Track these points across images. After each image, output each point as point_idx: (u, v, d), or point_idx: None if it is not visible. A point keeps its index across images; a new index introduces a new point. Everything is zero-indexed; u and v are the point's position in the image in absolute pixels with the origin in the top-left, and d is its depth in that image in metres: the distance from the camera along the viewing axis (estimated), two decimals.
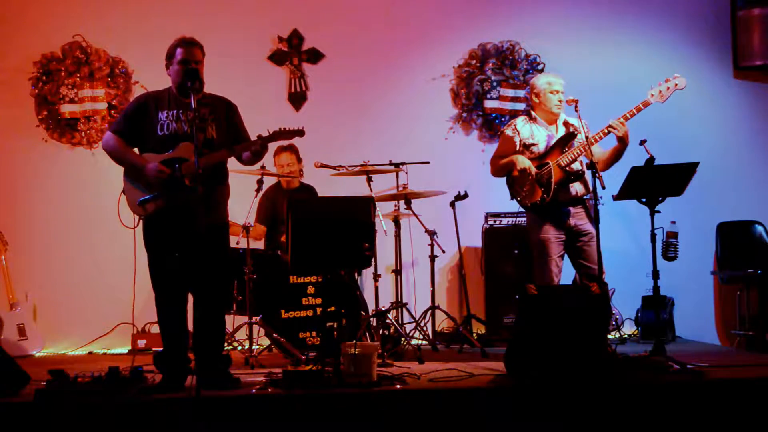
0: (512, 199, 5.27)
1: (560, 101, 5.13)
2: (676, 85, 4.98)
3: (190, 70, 4.22)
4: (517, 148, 5.20)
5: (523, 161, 5.12)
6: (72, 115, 6.60)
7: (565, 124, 5.19)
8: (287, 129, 4.40)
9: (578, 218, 5.15)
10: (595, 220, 4.89)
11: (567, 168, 5.06)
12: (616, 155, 5.07)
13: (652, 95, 5.00)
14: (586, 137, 4.95)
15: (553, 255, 5.11)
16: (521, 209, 5.39)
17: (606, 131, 4.98)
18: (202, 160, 4.08)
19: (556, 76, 5.23)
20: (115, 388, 4.04)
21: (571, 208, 5.14)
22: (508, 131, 5.27)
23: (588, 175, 5.06)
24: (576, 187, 5.13)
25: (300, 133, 4.46)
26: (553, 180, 5.06)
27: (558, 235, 5.12)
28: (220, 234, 4.43)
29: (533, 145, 5.18)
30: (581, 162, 5.13)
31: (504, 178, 5.29)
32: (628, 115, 4.96)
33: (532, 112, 5.28)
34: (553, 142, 5.15)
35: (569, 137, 5.08)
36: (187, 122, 4.25)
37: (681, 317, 6.58)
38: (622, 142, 4.99)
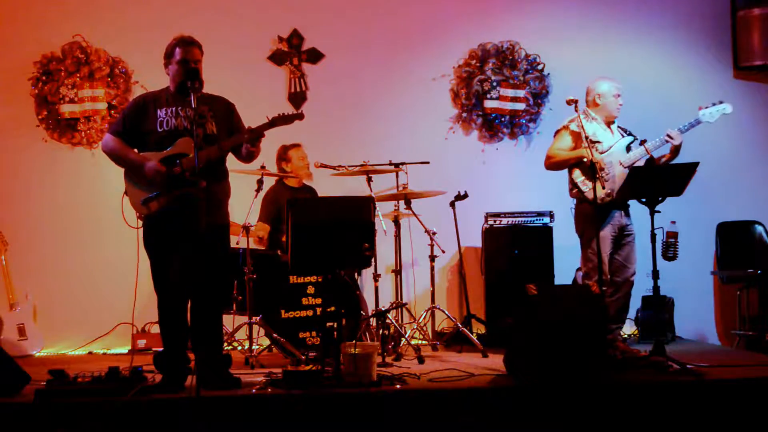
0: (573, 189, 5.29)
1: (620, 106, 5.31)
2: (724, 109, 5.24)
3: (191, 69, 4.22)
4: (584, 144, 5.19)
5: (596, 156, 5.18)
6: (72, 115, 6.60)
7: (620, 128, 5.33)
8: (286, 114, 4.36)
9: (626, 218, 5.31)
10: (595, 221, 4.95)
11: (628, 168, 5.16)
12: (671, 160, 5.23)
13: (703, 114, 5.23)
14: (586, 138, 5.03)
15: (607, 251, 5.22)
16: (521, 210, 5.47)
17: (665, 140, 5.17)
18: (202, 154, 4.09)
19: (616, 81, 5.36)
20: (115, 388, 4.04)
21: (622, 210, 5.27)
22: (573, 126, 5.29)
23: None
24: None
25: (299, 116, 4.42)
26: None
27: (613, 233, 5.25)
28: (220, 233, 4.43)
29: (597, 143, 5.24)
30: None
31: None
32: (682, 128, 5.17)
33: (591, 112, 5.34)
34: (612, 143, 5.25)
35: (630, 141, 5.24)
36: (187, 118, 4.26)
37: (681, 317, 6.58)
38: (675, 152, 5.18)
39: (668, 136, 5.14)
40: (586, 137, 5.09)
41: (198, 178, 4.00)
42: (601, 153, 5.20)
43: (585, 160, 5.12)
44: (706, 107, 5.23)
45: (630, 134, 5.28)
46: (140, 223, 4.36)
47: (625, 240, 5.28)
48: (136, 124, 4.35)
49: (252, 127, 4.29)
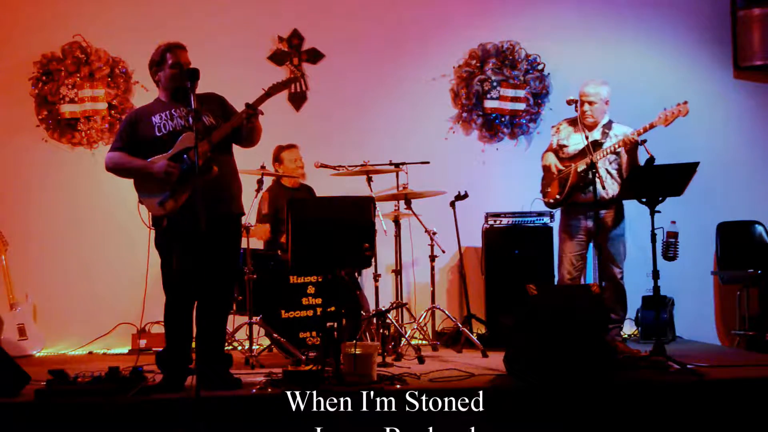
0: (540, 191, 5.56)
1: (584, 112, 5.36)
2: (680, 111, 5.10)
3: (190, 70, 4.19)
4: (554, 146, 5.52)
5: (547, 158, 5.50)
6: (72, 115, 6.60)
7: (603, 130, 5.35)
8: (280, 81, 4.34)
9: (599, 221, 5.31)
10: (595, 221, 4.97)
11: (581, 173, 5.28)
12: (630, 163, 5.26)
13: (659, 118, 5.13)
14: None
15: (568, 253, 5.42)
16: (521, 209, 5.53)
17: (618, 146, 5.19)
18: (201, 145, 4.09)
19: (594, 86, 5.38)
20: (115, 388, 4.04)
21: (591, 212, 5.30)
22: (552, 130, 5.63)
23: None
24: (599, 191, 5.25)
25: (294, 80, 4.44)
26: (569, 182, 5.29)
27: (577, 236, 5.39)
28: (234, 224, 4.44)
29: (565, 146, 5.45)
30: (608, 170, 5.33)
31: None
32: (636, 133, 5.14)
33: (578, 116, 5.46)
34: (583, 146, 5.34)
35: (594, 144, 5.29)
36: (182, 117, 4.28)
37: (681, 317, 6.58)
38: (631, 154, 5.22)
39: (623, 142, 5.16)
40: (557, 142, 5.48)
41: (209, 164, 4.04)
42: (566, 157, 5.39)
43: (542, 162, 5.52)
44: (665, 109, 5.14)
45: (598, 140, 5.29)
46: (149, 218, 4.35)
47: (603, 242, 5.33)
48: (134, 135, 4.34)
49: (249, 103, 4.25)
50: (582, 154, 5.31)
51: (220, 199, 4.26)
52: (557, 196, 5.38)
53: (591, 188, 5.19)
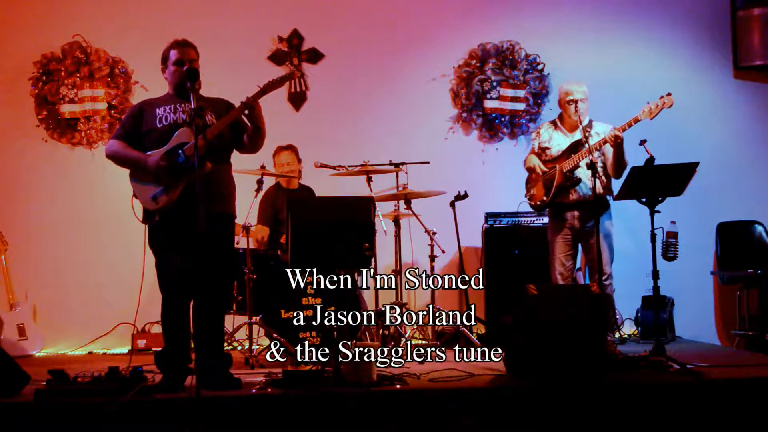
0: (525, 195, 5.60)
1: (576, 110, 5.32)
2: (665, 103, 5.08)
3: (190, 70, 4.20)
4: (536, 150, 5.55)
5: (530, 160, 5.52)
6: (72, 115, 6.60)
7: (584, 129, 5.31)
8: (275, 79, 4.33)
9: (584, 220, 5.33)
10: (595, 220, 4.97)
11: (567, 173, 5.29)
12: (616, 159, 5.22)
13: (643, 111, 5.11)
14: (578, 140, 5.18)
15: (557, 254, 5.41)
16: (521, 209, 5.53)
17: (603, 142, 5.18)
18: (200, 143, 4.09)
19: (578, 84, 5.39)
20: (115, 388, 4.04)
21: (576, 211, 5.35)
22: (533, 134, 5.69)
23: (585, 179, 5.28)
24: (582, 190, 5.29)
25: (290, 76, 4.47)
26: (554, 183, 5.29)
27: (564, 236, 5.39)
28: (227, 224, 4.44)
29: (547, 149, 5.47)
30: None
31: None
32: (620, 129, 5.13)
33: (557, 118, 5.52)
34: (561, 148, 5.39)
35: (576, 144, 5.31)
36: (185, 112, 4.30)
37: (681, 317, 6.58)
38: (617, 148, 5.17)
39: (605, 140, 5.14)
40: (539, 145, 5.51)
41: (203, 160, 4.04)
42: (549, 159, 5.42)
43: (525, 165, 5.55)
44: (648, 102, 5.09)
45: (580, 139, 5.25)
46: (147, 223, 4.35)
47: (589, 242, 5.31)
48: (136, 125, 4.37)
49: (245, 101, 4.26)
50: (566, 154, 5.32)
51: (215, 198, 4.27)
52: (544, 198, 5.39)
53: (577, 188, 5.27)
